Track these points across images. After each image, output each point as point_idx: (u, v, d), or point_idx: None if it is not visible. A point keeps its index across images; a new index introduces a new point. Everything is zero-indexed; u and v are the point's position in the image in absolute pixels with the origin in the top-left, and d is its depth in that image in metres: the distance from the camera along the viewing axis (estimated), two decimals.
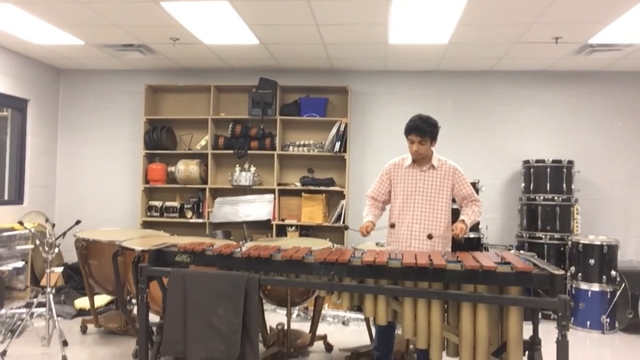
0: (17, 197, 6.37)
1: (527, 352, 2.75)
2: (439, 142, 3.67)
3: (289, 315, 4.17)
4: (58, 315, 4.41)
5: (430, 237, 3.46)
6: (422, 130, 3.53)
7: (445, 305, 2.82)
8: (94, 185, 6.92)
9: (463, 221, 3.54)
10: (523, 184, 5.97)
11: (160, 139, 6.50)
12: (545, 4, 4.22)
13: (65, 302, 5.49)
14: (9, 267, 5.47)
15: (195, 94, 6.74)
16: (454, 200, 3.76)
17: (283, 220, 6.39)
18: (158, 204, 6.56)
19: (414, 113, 3.66)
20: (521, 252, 3.93)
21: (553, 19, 4.53)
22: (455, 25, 4.73)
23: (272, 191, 6.24)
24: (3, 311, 4.93)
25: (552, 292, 2.61)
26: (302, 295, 4.13)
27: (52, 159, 6.92)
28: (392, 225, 3.63)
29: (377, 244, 4.72)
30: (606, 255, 5.24)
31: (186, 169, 6.44)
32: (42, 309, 4.44)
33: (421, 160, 3.66)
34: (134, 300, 4.49)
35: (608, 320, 5.16)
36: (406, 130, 3.61)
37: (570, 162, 5.82)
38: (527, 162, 5.96)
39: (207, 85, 6.52)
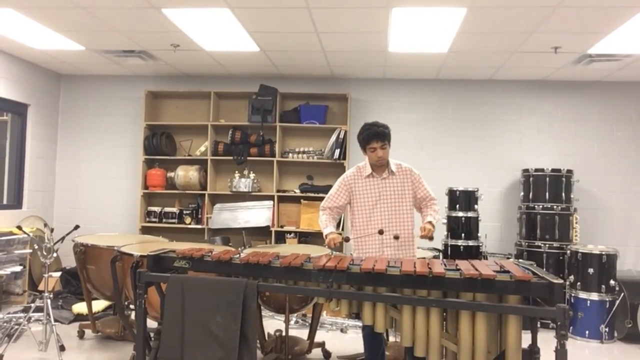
0: (16, 202, 6.36)
1: None
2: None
3: (287, 322, 4.15)
4: (55, 320, 4.39)
5: (396, 237, 3.47)
6: (382, 134, 3.56)
7: (444, 314, 2.81)
8: (93, 190, 6.92)
9: (430, 222, 3.55)
10: (522, 193, 5.97)
11: (159, 145, 6.51)
12: (544, 14, 4.24)
13: (62, 307, 5.48)
14: (7, 271, 5.46)
15: (195, 100, 6.75)
16: None
17: (282, 226, 6.38)
18: (157, 209, 6.56)
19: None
20: (520, 260, 3.94)
21: (552, 28, 4.55)
22: (455, 34, 4.75)
23: (271, 198, 6.24)
24: (0, 315, 4.92)
25: (551, 301, 2.61)
26: (300, 302, 4.12)
27: (52, 163, 6.92)
28: (381, 232, 3.53)
29: None
30: (605, 264, 5.24)
31: (185, 174, 6.44)
32: (40, 314, 4.43)
33: (380, 167, 3.67)
34: (131, 306, 4.49)
35: (607, 329, 5.15)
36: (365, 139, 3.59)
37: (570, 172, 5.82)
38: (526, 171, 5.97)
39: (207, 91, 6.54)
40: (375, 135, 3.55)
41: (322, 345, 4.50)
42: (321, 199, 6.19)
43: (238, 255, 3.20)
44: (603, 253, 5.26)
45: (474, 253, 5.67)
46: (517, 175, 6.22)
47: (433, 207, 3.69)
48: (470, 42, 4.99)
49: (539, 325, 3.01)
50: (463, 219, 5.73)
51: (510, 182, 6.36)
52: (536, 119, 6.39)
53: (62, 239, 4.45)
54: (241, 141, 6.46)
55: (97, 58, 6.04)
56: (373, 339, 3.61)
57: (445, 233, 5.80)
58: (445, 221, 5.74)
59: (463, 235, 5.71)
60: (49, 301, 4.25)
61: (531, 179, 5.87)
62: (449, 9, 4.18)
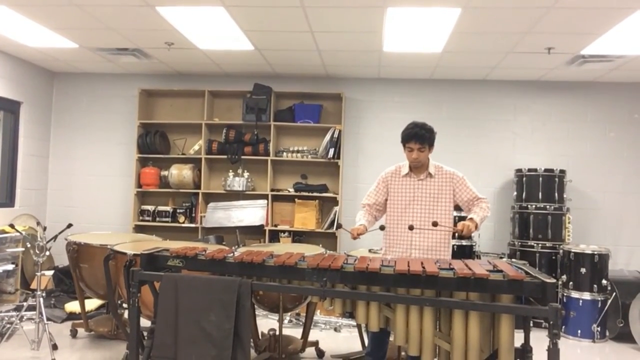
0: (9, 200, 6.33)
1: None
2: (434, 149, 3.67)
3: (280, 321, 4.16)
4: (48, 319, 4.38)
5: (435, 224, 3.36)
6: (422, 137, 3.52)
7: (438, 313, 2.82)
8: (86, 188, 6.89)
9: (472, 219, 3.46)
10: (515, 193, 6.00)
11: (153, 143, 6.49)
12: (538, 15, 4.26)
13: (55, 306, 5.46)
14: None
15: (189, 98, 6.74)
16: (457, 208, 3.74)
17: (276, 225, 6.38)
18: (150, 208, 6.55)
19: (408, 121, 3.66)
20: (513, 260, 3.94)
21: (546, 29, 4.57)
22: (449, 34, 4.77)
23: (265, 197, 6.24)
24: None
25: (544, 301, 2.62)
26: (294, 301, 4.13)
27: (44, 161, 6.89)
28: (382, 228, 3.56)
29: (370, 250, 4.74)
30: (597, 264, 5.27)
31: (179, 173, 6.42)
32: (32, 313, 4.42)
33: (418, 168, 3.65)
34: (124, 305, 4.48)
35: (599, 328, 5.19)
36: (404, 138, 3.58)
37: (562, 172, 5.86)
38: (519, 170, 6.00)
39: (201, 90, 6.52)
40: (414, 136, 3.52)
41: (315, 344, 4.51)
42: (315, 198, 6.32)
43: (232, 254, 3.20)
44: (595, 253, 5.29)
45: (468, 253, 5.69)
46: (511, 175, 6.24)
47: (480, 205, 3.58)
48: (465, 42, 5.01)
49: (531, 325, 3.03)
50: (456, 218, 5.72)
51: (504, 181, 6.39)
52: (530, 119, 6.41)
53: (55, 237, 4.43)
54: (235, 140, 6.45)
55: (90, 56, 6.01)
56: (380, 335, 3.59)
57: None
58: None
59: (456, 234, 5.70)
60: (41, 300, 4.24)
61: (524, 178, 5.90)
62: (444, 9, 4.19)
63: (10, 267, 5.59)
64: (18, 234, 4.70)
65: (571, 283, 5.35)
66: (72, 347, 4.53)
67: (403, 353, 4.16)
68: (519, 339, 2.74)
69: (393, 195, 3.69)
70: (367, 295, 2.87)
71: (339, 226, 3.51)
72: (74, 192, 6.91)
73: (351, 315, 3.03)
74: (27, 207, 6.48)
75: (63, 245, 4.69)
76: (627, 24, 4.35)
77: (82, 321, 4.71)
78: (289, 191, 6.46)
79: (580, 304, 5.27)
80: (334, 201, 6.32)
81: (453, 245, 5.68)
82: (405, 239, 3.59)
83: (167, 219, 6.49)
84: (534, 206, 5.76)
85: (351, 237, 3.54)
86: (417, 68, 6.05)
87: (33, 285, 5.78)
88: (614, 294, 5.23)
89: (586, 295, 5.26)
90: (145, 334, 3.24)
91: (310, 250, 4.00)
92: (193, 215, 6.52)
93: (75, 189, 6.92)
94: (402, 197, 3.65)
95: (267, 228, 6.24)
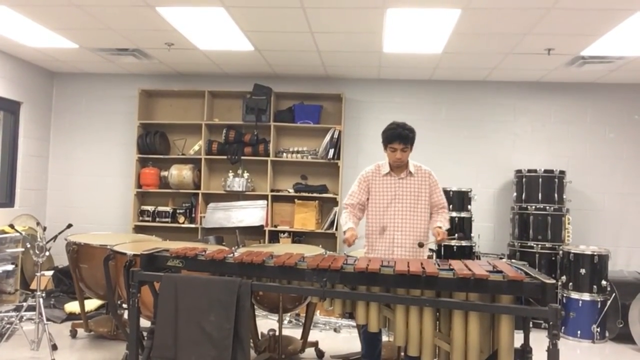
0: (8, 200, 6.33)
1: None
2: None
3: (280, 321, 4.16)
4: (48, 319, 4.37)
5: (421, 245, 3.45)
6: (405, 137, 3.57)
7: (437, 313, 2.83)
8: (85, 188, 6.89)
9: (440, 227, 3.59)
10: (515, 194, 6.00)
11: (153, 144, 6.49)
12: (538, 16, 4.26)
13: (55, 306, 5.46)
14: None
15: (189, 99, 6.74)
16: None
17: (276, 226, 6.38)
18: (150, 208, 6.54)
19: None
20: (513, 260, 3.95)
21: (546, 30, 4.57)
22: (449, 35, 4.77)
23: (265, 197, 6.24)
24: None
25: (544, 301, 2.63)
26: (294, 302, 4.13)
27: (44, 162, 6.89)
28: (383, 230, 3.60)
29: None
30: (597, 265, 5.27)
31: (179, 173, 6.42)
32: (32, 313, 4.42)
33: (399, 167, 3.69)
34: (124, 305, 4.47)
35: (598, 329, 5.19)
36: (388, 138, 3.62)
37: (562, 173, 5.86)
38: (519, 171, 6.00)
39: (201, 90, 6.52)
40: (398, 137, 3.57)
41: (315, 344, 4.51)
42: (315, 198, 6.32)
43: (232, 255, 3.20)
44: (595, 253, 5.29)
45: (467, 253, 5.69)
46: (510, 176, 6.24)
47: (443, 215, 3.74)
48: (465, 43, 5.01)
49: (531, 325, 3.03)
50: (456, 219, 5.75)
51: (504, 182, 6.39)
52: (529, 120, 6.42)
53: (55, 237, 4.43)
54: (235, 140, 6.45)
55: (90, 56, 6.01)
56: (372, 335, 3.61)
57: None
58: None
59: (456, 235, 5.72)
60: (41, 300, 4.24)
61: (524, 179, 5.90)
62: (444, 10, 4.19)
63: (10, 267, 5.59)
64: (18, 234, 4.71)
65: (571, 284, 5.35)
66: (71, 348, 4.53)
67: (402, 354, 4.16)
68: (518, 339, 2.74)
69: (374, 195, 3.72)
70: (367, 296, 2.88)
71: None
72: (73, 193, 6.91)
73: (351, 315, 3.04)
74: (27, 208, 6.47)
75: (63, 246, 4.69)
76: (627, 25, 4.35)
77: (81, 321, 4.71)
78: (288, 192, 6.46)
79: (580, 305, 5.27)
80: (334, 202, 6.32)
81: (453, 246, 5.69)
82: (387, 237, 3.63)
83: (167, 220, 6.49)
84: (533, 207, 5.76)
85: (347, 245, 3.56)
86: (417, 69, 6.05)
87: (33, 286, 5.77)
88: (614, 294, 5.23)
89: (586, 296, 5.26)
90: (145, 334, 3.24)
91: (310, 251, 4.00)
92: (193, 215, 6.52)
93: (75, 189, 6.92)
94: (384, 196, 3.68)
95: (266, 229, 6.24)
